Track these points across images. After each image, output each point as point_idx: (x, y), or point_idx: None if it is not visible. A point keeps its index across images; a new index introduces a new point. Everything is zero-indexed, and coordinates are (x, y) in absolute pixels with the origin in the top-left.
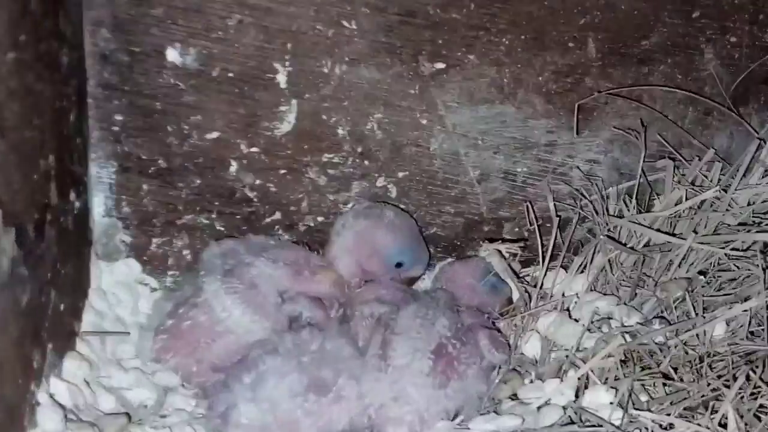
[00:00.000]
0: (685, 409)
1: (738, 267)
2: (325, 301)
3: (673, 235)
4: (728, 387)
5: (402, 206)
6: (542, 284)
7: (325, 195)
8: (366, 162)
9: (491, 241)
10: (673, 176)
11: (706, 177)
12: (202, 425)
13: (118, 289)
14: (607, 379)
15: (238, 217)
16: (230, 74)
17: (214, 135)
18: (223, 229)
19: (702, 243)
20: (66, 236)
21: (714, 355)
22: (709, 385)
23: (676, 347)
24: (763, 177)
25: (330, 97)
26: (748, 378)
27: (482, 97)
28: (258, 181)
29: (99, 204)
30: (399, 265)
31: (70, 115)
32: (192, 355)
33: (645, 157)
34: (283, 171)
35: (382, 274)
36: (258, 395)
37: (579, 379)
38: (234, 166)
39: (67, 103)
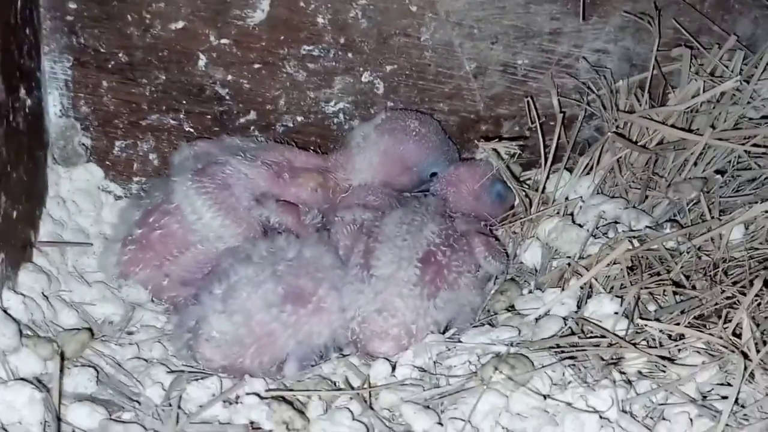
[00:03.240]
0: (696, 318)
1: (759, 165)
2: (303, 207)
3: (689, 131)
4: (744, 294)
5: (390, 104)
6: (544, 187)
7: (304, 92)
8: (349, 54)
9: (488, 140)
10: (690, 66)
11: (726, 67)
12: (173, 342)
13: (79, 196)
14: (612, 287)
15: (208, 116)
16: None
17: (179, 24)
18: (192, 130)
19: (720, 139)
20: (16, 136)
21: (730, 261)
22: (723, 292)
23: (688, 253)
24: None
25: None
26: (765, 284)
27: None
28: (230, 77)
29: (54, 102)
30: (434, 174)
31: (16, 2)
32: (162, 268)
33: (659, 46)
34: (257, 65)
35: (413, 187)
36: (230, 307)
37: (581, 288)
38: (202, 60)
39: None
